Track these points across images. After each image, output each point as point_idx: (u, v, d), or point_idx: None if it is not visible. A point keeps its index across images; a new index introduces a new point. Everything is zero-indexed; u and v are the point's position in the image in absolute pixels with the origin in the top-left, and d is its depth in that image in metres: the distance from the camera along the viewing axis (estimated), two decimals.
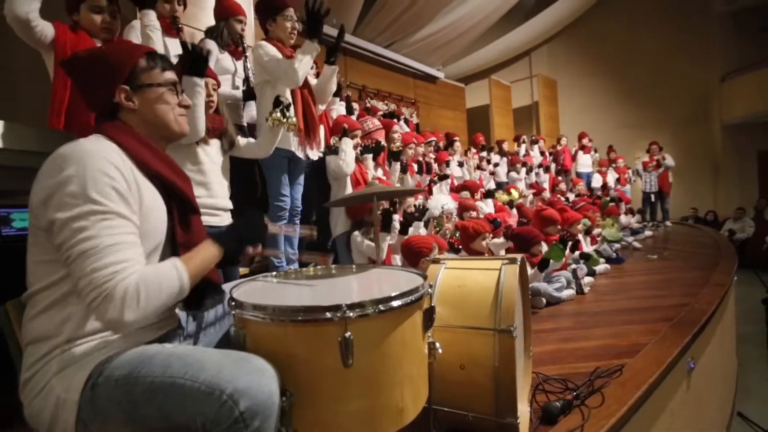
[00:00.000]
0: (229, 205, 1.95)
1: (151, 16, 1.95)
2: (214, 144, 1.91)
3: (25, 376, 0.83)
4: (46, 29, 1.74)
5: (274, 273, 1.13)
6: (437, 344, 1.08)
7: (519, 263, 1.21)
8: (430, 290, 0.93)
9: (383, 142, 3.10)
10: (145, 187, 0.92)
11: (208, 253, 0.93)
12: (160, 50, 2.08)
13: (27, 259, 0.88)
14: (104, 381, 0.78)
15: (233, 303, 0.86)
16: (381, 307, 0.79)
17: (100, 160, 0.82)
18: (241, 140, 2.00)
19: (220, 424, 0.69)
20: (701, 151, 9.44)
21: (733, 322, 3.83)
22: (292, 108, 1.94)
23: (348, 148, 2.52)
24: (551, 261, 2.70)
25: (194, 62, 1.68)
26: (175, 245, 1.00)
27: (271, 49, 2.21)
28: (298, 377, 0.79)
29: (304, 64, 2.16)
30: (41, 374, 0.82)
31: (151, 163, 0.94)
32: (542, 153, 6.79)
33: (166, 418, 0.74)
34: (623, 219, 5.72)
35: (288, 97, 2.21)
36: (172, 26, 2.16)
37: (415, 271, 1.06)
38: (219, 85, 1.95)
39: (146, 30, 1.94)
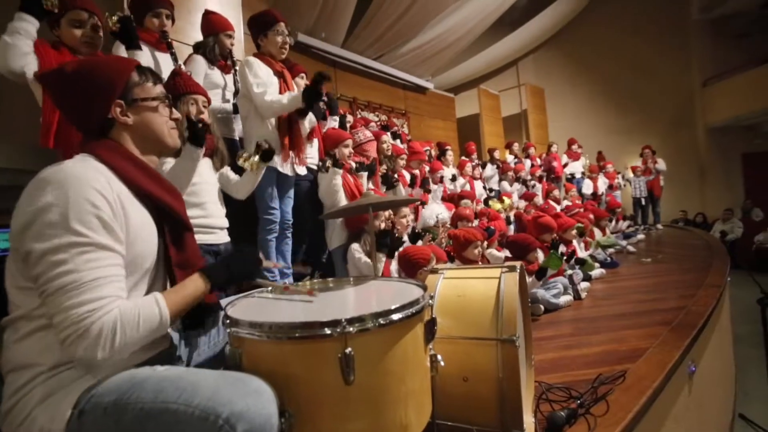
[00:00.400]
0: (225, 223, 1.92)
1: (138, 54, 1.95)
2: (206, 163, 1.89)
3: (6, 405, 0.79)
4: (35, 67, 1.69)
5: (270, 288, 1.09)
6: (439, 357, 1.06)
7: (518, 271, 1.19)
8: (431, 301, 0.90)
9: (374, 155, 3.09)
10: (133, 210, 0.88)
11: (193, 287, 0.90)
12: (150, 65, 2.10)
13: (6, 283, 0.84)
14: (92, 408, 0.74)
15: (228, 321, 0.83)
16: (381, 321, 0.77)
17: (84, 187, 0.78)
18: (231, 175, 1.99)
19: None
20: (687, 154, 9.62)
21: (730, 323, 3.85)
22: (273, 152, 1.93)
23: (337, 179, 2.51)
24: (548, 269, 2.69)
25: (194, 135, 1.67)
26: (169, 265, 0.97)
27: (260, 71, 2.19)
28: (297, 397, 0.75)
29: (275, 110, 2.17)
30: (23, 403, 0.77)
31: (142, 183, 0.92)
32: (532, 160, 6.85)
33: None
34: (615, 224, 5.77)
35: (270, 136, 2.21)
36: (161, 41, 2.14)
37: (414, 282, 1.04)
38: (209, 102, 1.94)
39: None
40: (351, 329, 0.73)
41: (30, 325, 0.80)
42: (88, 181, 0.80)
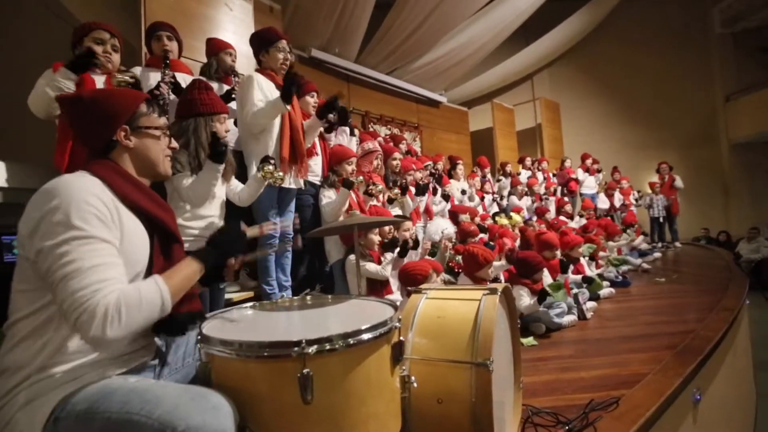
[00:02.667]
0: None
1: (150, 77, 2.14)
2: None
3: None
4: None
5: (250, 305, 1.13)
6: (413, 378, 1.06)
7: (499, 294, 1.19)
8: (398, 324, 0.91)
9: (380, 165, 3.13)
10: (127, 217, 0.98)
11: (189, 269, 0.98)
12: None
13: (11, 289, 0.92)
14: (66, 415, 0.79)
15: (199, 338, 0.86)
16: (342, 343, 0.78)
17: (82, 191, 0.89)
18: (234, 182, 2.06)
19: None
20: (710, 170, 9.33)
21: (748, 348, 3.67)
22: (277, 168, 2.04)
23: (325, 197, 2.57)
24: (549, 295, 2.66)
25: (217, 153, 1.79)
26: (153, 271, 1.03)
27: (256, 91, 2.26)
28: (259, 413, 0.78)
29: (259, 120, 2.25)
30: (8, 408, 0.83)
31: (133, 196, 1.01)
32: (545, 175, 6.77)
33: None
34: (635, 240, 5.61)
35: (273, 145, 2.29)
36: (160, 61, 2.25)
37: (388, 302, 1.05)
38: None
39: None
40: (310, 350, 0.75)
41: (26, 328, 0.87)
42: (86, 188, 0.91)
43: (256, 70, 2.46)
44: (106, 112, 1.05)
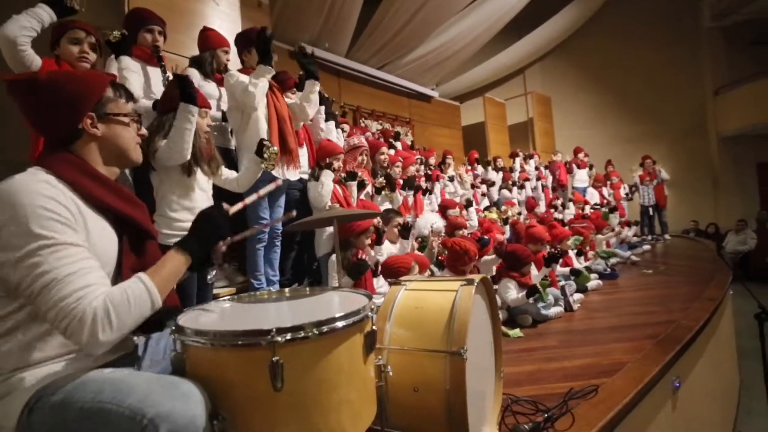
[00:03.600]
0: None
1: (126, 61, 2.10)
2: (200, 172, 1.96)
3: None
4: (34, 59, 1.82)
5: (227, 297, 1.14)
6: (389, 367, 1.08)
7: (476, 285, 1.21)
8: (371, 313, 0.93)
9: (366, 160, 3.14)
10: (91, 217, 0.92)
11: (174, 262, 0.93)
12: (140, 83, 2.19)
13: None
14: (40, 407, 0.79)
15: (174, 328, 0.87)
16: (314, 331, 0.80)
17: (36, 196, 0.81)
18: (225, 171, 2.05)
19: None
20: (699, 163, 9.43)
21: (732, 337, 3.74)
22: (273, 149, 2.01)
23: (327, 180, 2.56)
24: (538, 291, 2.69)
25: (185, 92, 1.76)
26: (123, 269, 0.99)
27: (239, 75, 2.28)
28: (232, 401, 0.79)
29: (259, 89, 2.25)
30: None
31: (99, 195, 0.94)
32: (537, 168, 6.81)
33: None
34: (621, 232, 5.68)
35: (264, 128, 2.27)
36: (153, 55, 2.24)
37: (364, 293, 1.06)
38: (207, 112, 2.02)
39: (122, 73, 2.07)
40: (279, 339, 0.76)
41: None
42: (40, 192, 0.83)
43: (240, 70, 2.46)
44: (69, 98, 0.94)
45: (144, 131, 1.11)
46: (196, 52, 2.72)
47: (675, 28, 9.57)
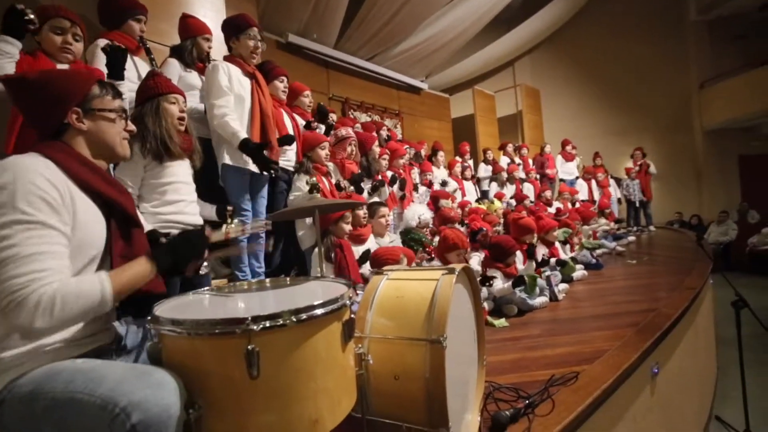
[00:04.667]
0: (199, 221, 1.94)
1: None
2: (185, 163, 1.92)
3: None
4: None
5: (207, 288, 1.13)
6: (369, 356, 1.09)
7: (457, 273, 1.21)
8: (349, 302, 0.93)
9: (355, 151, 3.13)
10: (81, 200, 0.96)
11: (139, 268, 0.96)
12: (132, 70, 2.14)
13: None
14: (11, 397, 0.79)
15: (149, 318, 0.86)
16: (291, 319, 0.80)
17: (32, 173, 0.86)
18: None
19: None
20: (684, 156, 9.58)
21: (711, 325, 3.85)
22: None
23: (301, 185, 2.54)
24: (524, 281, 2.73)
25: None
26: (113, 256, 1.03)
27: (222, 79, 2.22)
28: (208, 390, 0.79)
29: (221, 129, 2.22)
30: None
31: (89, 179, 0.99)
32: (524, 161, 6.86)
33: None
34: (603, 224, 5.77)
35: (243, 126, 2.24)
36: (139, 45, 2.18)
37: (344, 282, 1.06)
38: (186, 103, 1.97)
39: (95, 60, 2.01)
40: (255, 327, 0.76)
41: None
42: (36, 169, 0.87)
43: (225, 58, 2.41)
44: (55, 94, 1.01)
45: (132, 127, 1.14)
46: (176, 40, 2.67)
47: (662, 21, 9.64)
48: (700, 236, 4.77)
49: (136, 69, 2.20)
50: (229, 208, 1.93)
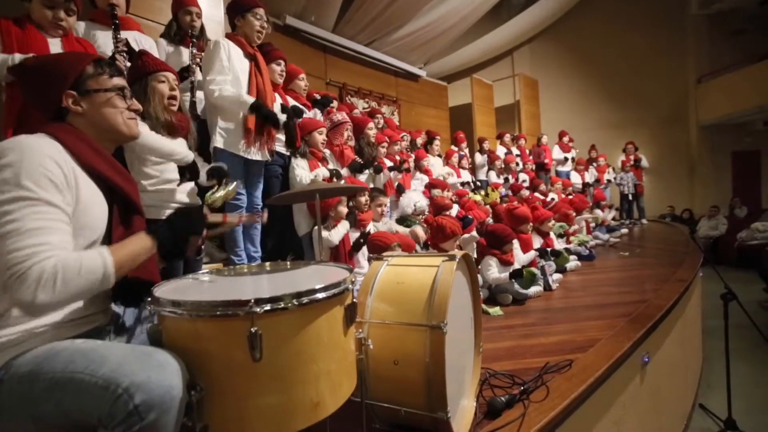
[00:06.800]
0: (198, 201, 1.92)
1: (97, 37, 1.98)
2: (182, 143, 1.89)
3: None
4: None
5: (207, 271, 1.12)
6: (369, 341, 1.09)
7: (458, 260, 1.21)
8: (351, 286, 0.93)
9: (351, 136, 3.10)
10: (85, 183, 0.95)
11: (140, 243, 0.94)
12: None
13: None
14: (9, 377, 0.78)
15: (149, 299, 0.85)
16: (293, 302, 0.79)
17: (38, 152, 0.86)
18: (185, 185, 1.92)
19: (115, 417, 0.69)
20: (678, 150, 9.64)
21: (699, 316, 3.93)
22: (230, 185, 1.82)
23: (299, 169, 2.54)
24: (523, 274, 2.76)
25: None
26: (111, 241, 1.01)
27: (222, 58, 2.17)
28: (209, 372, 0.78)
29: (222, 105, 2.16)
30: None
31: (93, 163, 0.98)
32: (522, 152, 6.86)
33: (65, 415, 0.73)
34: (600, 214, 5.82)
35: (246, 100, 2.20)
36: (107, 16, 2.08)
37: (345, 267, 1.06)
38: (179, 80, 1.93)
39: None
40: (258, 309, 0.75)
41: None
42: (43, 150, 0.87)
43: (227, 35, 2.35)
44: (49, 78, 1.01)
45: (137, 105, 1.11)
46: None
47: (663, 14, 9.57)
48: (691, 230, 4.82)
49: (96, 42, 2.12)
50: (223, 166, 1.86)
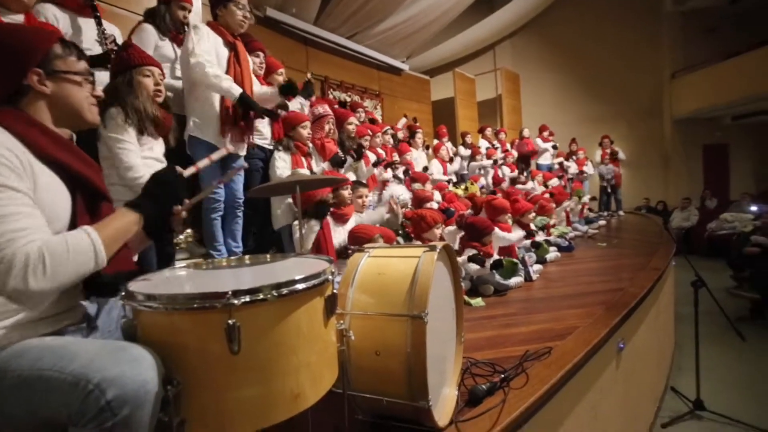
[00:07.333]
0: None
1: (49, 9, 1.92)
2: (160, 142, 1.87)
3: None
4: None
5: (184, 264, 1.10)
6: (351, 332, 1.09)
7: (438, 251, 1.22)
8: (331, 277, 0.92)
9: (333, 129, 3.07)
10: (41, 171, 0.89)
11: (124, 219, 0.90)
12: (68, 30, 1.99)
13: None
14: None
15: (123, 294, 0.83)
16: (273, 293, 0.78)
17: None
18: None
19: (86, 414, 0.67)
20: (653, 144, 9.93)
21: (671, 304, 4.08)
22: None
23: (279, 162, 2.51)
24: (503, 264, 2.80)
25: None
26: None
27: (206, 40, 2.12)
28: (187, 366, 0.77)
29: (208, 84, 2.14)
30: None
31: (49, 150, 0.92)
32: (503, 145, 6.94)
33: (33, 413, 0.71)
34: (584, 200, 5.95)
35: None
36: (84, 5, 2.01)
37: (325, 258, 1.05)
38: (164, 75, 1.89)
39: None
40: (236, 301, 0.74)
41: None
42: None
43: (208, 23, 2.29)
44: (11, 52, 0.92)
45: (100, 92, 1.06)
46: (144, 7, 2.50)
47: (640, 10, 9.80)
48: (665, 221, 5.00)
49: (78, 30, 2.04)
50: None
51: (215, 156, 1.19)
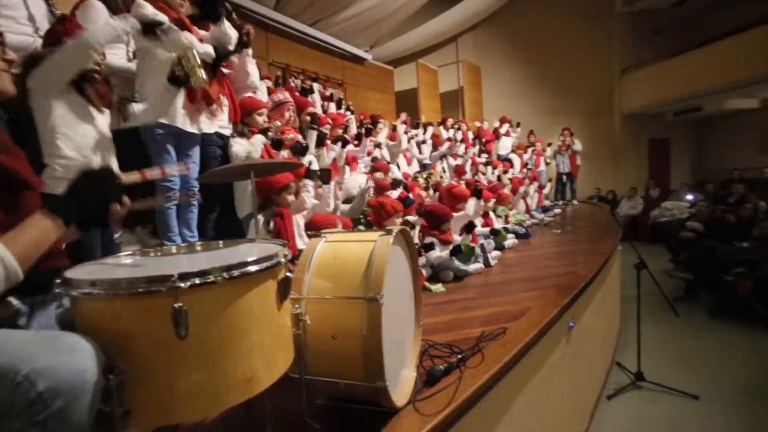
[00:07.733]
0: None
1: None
2: (105, 116, 1.80)
3: None
4: None
5: (129, 252, 1.04)
6: (307, 316, 1.09)
7: (395, 235, 1.24)
8: (284, 260, 0.92)
9: (293, 116, 3.00)
10: None
11: (39, 226, 0.79)
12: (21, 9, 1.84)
13: None
14: None
15: (60, 282, 0.78)
16: (223, 276, 0.77)
17: None
18: (135, 106, 1.87)
19: (15, 407, 0.62)
20: (605, 137, 10.50)
21: (618, 286, 4.37)
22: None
23: (237, 147, 2.45)
24: (462, 250, 2.87)
25: None
26: None
27: (148, 8, 2.01)
28: (131, 353, 0.74)
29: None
30: None
31: None
32: (464, 136, 7.08)
33: None
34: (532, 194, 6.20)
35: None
36: None
37: (279, 243, 1.04)
38: (104, 54, 1.78)
39: None
40: (182, 284, 0.72)
41: None
42: None
43: (148, 1, 2.15)
44: None
45: (12, 56, 0.95)
46: None
47: (593, 9, 10.26)
48: (613, 209, 5.33)
49: (26, 7, 1.89)
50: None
51: (168, 170, 1.14)
